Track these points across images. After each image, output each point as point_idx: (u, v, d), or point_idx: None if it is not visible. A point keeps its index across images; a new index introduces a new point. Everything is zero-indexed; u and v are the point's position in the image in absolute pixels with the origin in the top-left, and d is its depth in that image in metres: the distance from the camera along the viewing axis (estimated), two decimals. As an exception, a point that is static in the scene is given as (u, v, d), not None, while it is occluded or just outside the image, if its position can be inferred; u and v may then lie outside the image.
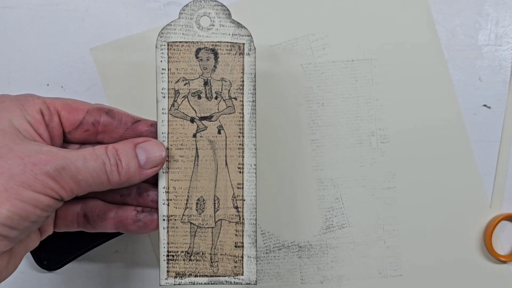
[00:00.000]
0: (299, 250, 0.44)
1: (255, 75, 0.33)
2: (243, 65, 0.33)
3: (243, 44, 0.33)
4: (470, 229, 0.44)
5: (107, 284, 0.44)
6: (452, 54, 0.44)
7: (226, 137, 0.33)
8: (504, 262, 0.44)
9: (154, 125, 0.33)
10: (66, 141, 0.33)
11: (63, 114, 0.32)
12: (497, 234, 0.44)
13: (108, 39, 0.44)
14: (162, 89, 0.33)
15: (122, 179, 0.30)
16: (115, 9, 0.44)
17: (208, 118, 0.33)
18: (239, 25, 0.32)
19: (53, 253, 0.42)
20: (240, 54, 0.33)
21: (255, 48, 0.33)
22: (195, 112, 0.33)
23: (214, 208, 0.33)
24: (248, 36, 0.32)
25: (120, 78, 0.44)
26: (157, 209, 0.33)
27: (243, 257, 0.33)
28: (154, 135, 0.33)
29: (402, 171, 0.44)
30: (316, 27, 0.44)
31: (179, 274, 0.33)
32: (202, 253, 0.33)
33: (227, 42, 0.32)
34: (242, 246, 0.33)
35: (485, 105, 0.44)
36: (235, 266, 0.33)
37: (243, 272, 0.33)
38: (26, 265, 0.43)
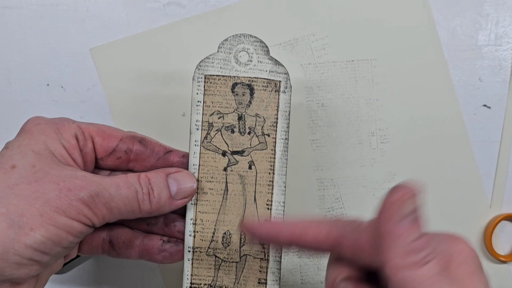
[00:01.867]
0: (299, 250, 0.44)
1: (289, 113, 0.33)
2: (278, 102, 0.32)
3: (280, 81, 0.32)
4: (470, 229, 0.44)
5: (107, 284, 0.44)
6: (452, 54, 0.44)
7: (256, 173, 0.33)
8: (504, 262, 0.44)
9: (185, 156, 0.33)
10: (97, 167, 0.33)
11: (97, 140, 0.31)
12: (497, 234, 0.44)
13: (108, 39, 0.44)
14: (196, 121, 0.32)
15: (153, 208, 0.30)
16: (115, 9, 0.44)
17: (240, 153, 0.33)
18: (276, 62, 0.32)
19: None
20: (276, 91, 0.32)
21: (291, 86, 0.32)
22: (227, 146, 0.33)
23: (240, 243, 0.33)
24: (285, 74, 0.32)
25: (120, 78, 0.44)
26: (183, 240, 0.33)
27: None
28: (185, 166, 0.33)
29: (402, 171, 0.44)
30: (316, 27, 0.44)
31: None
32: (225, 287, 0.33)
33: (264, 78, 0.32)
34: (265, 283, 0.33)
35: (485, 105, 0.44)
36: None
37: None
38: (26, 265, 0.43)
